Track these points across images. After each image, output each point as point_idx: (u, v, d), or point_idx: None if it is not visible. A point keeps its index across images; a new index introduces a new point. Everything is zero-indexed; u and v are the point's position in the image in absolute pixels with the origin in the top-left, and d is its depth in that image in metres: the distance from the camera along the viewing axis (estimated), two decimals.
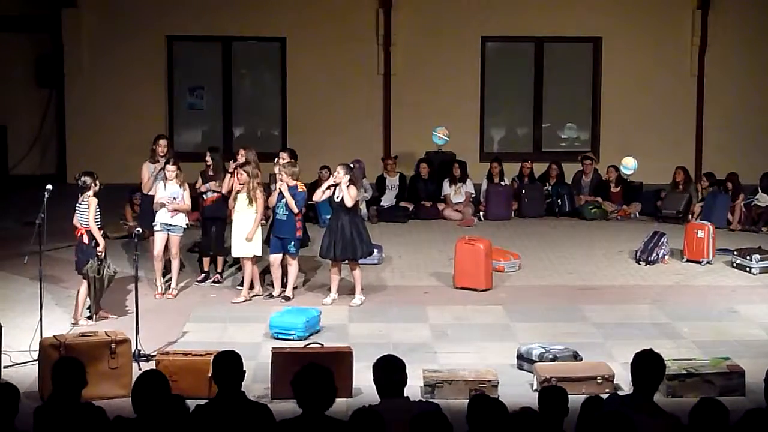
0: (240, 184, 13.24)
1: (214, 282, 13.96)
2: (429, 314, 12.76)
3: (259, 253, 13.37)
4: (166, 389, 6.23)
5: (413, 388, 9.06)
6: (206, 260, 14.11)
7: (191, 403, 6.36)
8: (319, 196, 13.33)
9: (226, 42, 20.99)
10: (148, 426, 6.04)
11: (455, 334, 12.03)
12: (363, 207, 16.95)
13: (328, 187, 13.12)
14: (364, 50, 20.57)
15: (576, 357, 10.80)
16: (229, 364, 6.50)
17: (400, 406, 6.46)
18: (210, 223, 14.02)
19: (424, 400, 8.58)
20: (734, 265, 14.83)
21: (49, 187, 11.48)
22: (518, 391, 9.98)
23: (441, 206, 18.29)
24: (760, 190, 17.65)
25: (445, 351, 11.39)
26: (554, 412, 6.49)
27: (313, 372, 6.08)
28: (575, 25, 20.84)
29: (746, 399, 9.65)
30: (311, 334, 11.70)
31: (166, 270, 13.53)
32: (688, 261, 15.15)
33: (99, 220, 12.11)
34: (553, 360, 10.57)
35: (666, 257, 15.18)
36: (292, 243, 13.20)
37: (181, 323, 12.21)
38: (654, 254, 15.10)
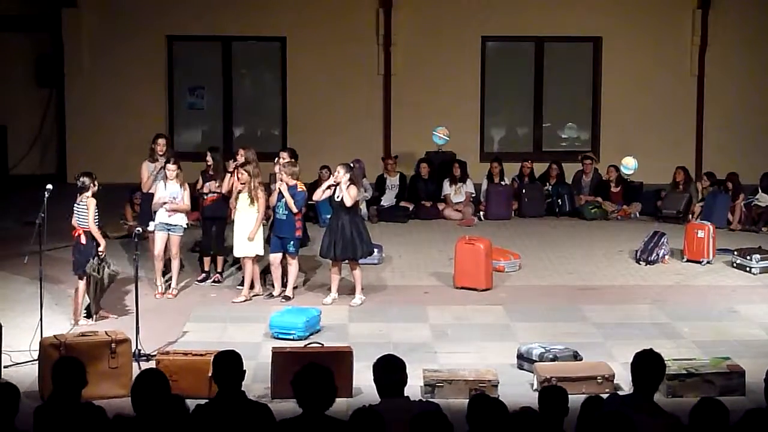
0: (241, 183, 13.25)
1: (214, 282, 13.96)
2: (429, 314, 12.76)
3: (261, 253, 13.37)
4: (166, 388, 6.23)
5: (413, 388, 9.05)
6: (207, 260, 14.12)
7: (191, 403, 6.37)
8: (319, 195, 13.34)
9: (226, 42, 21.00)
10: (147, 425, 6.04)
11: (455, 333, 12.03)
12: (363, 207, 16.95)
13: (329, 187, 13.12)
14: (364, 50, 20.57)
15: (576, 357, 10.81)
16: (229, 363, 6.50)
17: (400, 406, 6.46)
18: (210, 223, 14.02)
19: (424, 400, 8.57)
20: (734, 265, 14.83)
21: (49, 187, 11.47)
22: (518, 390, 9.98)
23: (441, 206, 18.29)
24: (760, 190, 17.66)
25: (445, 351, 11.39)
26: (554, 412, 6.49)
27: (313, 372, 6.08)
28: (575, 25, 20.83)
29: (746, 399, 9.65)
30: (311, 334, 11.70)
31: (166, 270, 13.54)
32: (688, 261, 15.15)
33: (98, 220, 12.11)
34: (553, 360, 10.57)
35: (666, 257, 15.19)
36: (292, 243, 13.20)
37: (181, 323, 12.21)
38: (654, 254, 15.10)
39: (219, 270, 14.05)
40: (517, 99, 21.71)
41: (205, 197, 13.96)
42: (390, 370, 6.68)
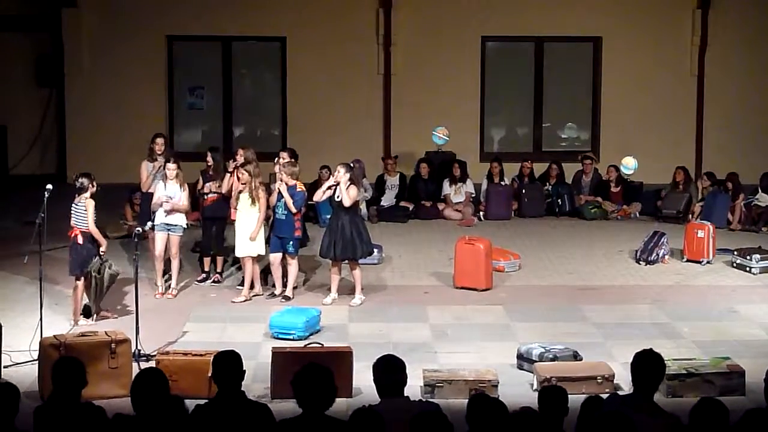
0: (242, 184, 13.24)
1: (214, 282, 13.96)
2: (429, 314, 12.76)
3: (263, 252, 13.38)
4: (165, 387, 6.23)
5: (413, 388, 9.06)
6: (207, 260, 14.12)
7: (191, 403, 6.36)
8: (320, 196, 13.34)
9: (226, 42, 20.99)
10: (147, 424, 6.04)
11: (455, 333, 12.03)
12: (363, 207, 16.95)
13: (329, 187, 13.12)
14: (364, 50, 20.56)
15: (576, 357, 10.81)
16: (229, 363, 6.50)
17: (400, 406, 6.46)
18: (210, 223, 14.02)
19: (424, 400, 8.57)
20: (734, 265, 14.83)
21: (49, 187, 11.48)
22: (518, 390, 9.98)
23: (441, 206, 18.29)
24: (760, 190, 17.66)
25: (445, 351, 11.39)
26: (554, 412, 6.49)
27: (313, 372, 6.08)
28: (575, 25, 20.83)
29: (746, 399, 9.65)
30: (311, 334, 11.70)
31: (166, 270, 13.53)
32: (688, 261, 15.15)
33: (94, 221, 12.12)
34: (553, 360, 10.57)
35: (666, 257, 15.19)
36: (291, 243, 13.19)
37: (181, 323, 12.22)
38: (654, 254, 15.11)
39: (218, 270, 14.05)
40: (517, 99, 21.71)
41: (206, 197, 13.96)
42: (390, 370, 6.68)
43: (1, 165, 20.48)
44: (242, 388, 6.49)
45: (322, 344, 10.64)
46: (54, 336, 10.24)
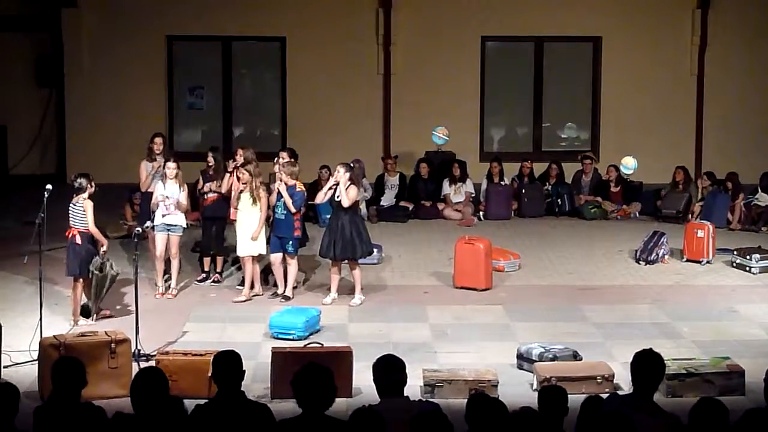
0: (242, 183, 13.24)
1: (213, 282, 13.96)
2: (429, 314, 12.77)
3: (264, 252, 13.39)
4: (165, 386, 6.23)
5: (413, 388, 9.06)
6: (207, 260, 14.12)
7: (191, 403, 6.36)
8: (321, 198, 13.33)
9: (226, 42, 20.99)
10: (147, 423, 6.04)
11: (455, 333, 12.03)
12: (363, 207, 16.94)
13: (330, 188, 13.11)
14: (364, 50, 20.57)
15: (576, 357, 10.81)
16: (229, 363, 6.50)
17: (400, 406, 6.46)
18: (210, 223, 14.03)
19: (424, 399, 8.57)
20: (734, 264, 14.83)
21: (49, 187, 11.48)
22: (518, 390, 9.99)
23: (441, 206, 18.29)
24: (760, 190, 17.66)
25: (445, 351, 11.39)
26: (554, 412, 6.49)
27: (313, 372, 6.08)
28: (575, 25, 20.83)
29: (746, 399, 9.65)
30: (311, 334, 11.70)
31: (166, 270, 13.53)
32: (688, 261, 15.15)
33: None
34: (553, 360, 10.58)
35: (666, 257, 15.19)
36: (290, 242, 13.19)
37: (181, 323, 12.22)
38: (654, 254, 15.10)
39: (218, 270, 14.05)
40: (516, 99, 21.71)
41: (206, 197, 13.96)
42: (390, 370, 6.68)
43: (1, 165, 20.47)
44: (242, 388, 6.49)
45: (322, 344, 10.64)
46: (54, 336, 10.24)
